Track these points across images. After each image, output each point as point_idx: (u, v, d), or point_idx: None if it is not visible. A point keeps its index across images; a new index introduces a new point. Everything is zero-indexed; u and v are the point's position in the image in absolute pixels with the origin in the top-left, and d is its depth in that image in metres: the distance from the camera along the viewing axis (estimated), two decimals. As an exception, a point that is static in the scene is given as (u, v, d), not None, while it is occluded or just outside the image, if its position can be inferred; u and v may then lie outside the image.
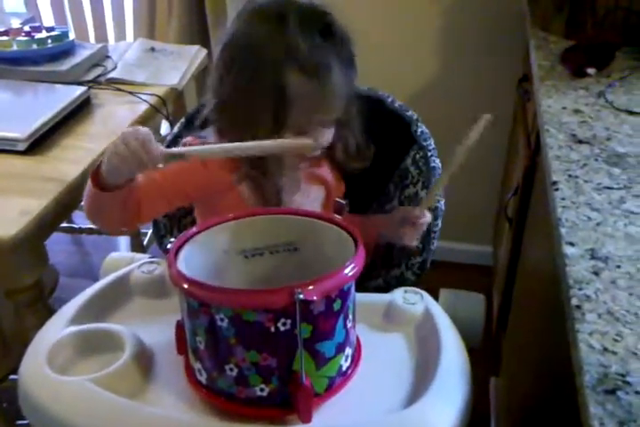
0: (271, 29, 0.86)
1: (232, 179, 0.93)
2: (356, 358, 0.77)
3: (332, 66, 0.86)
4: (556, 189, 0.82)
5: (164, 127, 1.68)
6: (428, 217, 0.94)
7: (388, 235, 0.99)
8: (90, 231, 2.04)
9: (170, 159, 0.83)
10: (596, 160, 0.89)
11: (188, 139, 0.97)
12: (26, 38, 1.54)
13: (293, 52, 0.84)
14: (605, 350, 0.57)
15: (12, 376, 1.17)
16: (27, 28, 1.59)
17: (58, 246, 1.24)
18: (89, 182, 0.85)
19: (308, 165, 0.98)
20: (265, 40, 0.86)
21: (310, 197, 0.99)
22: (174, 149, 0.86)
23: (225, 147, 0.84)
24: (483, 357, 0.95)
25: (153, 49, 1.71)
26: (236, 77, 0.88)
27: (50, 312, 1.13)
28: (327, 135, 0.93)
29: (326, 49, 0.86)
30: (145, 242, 1.96)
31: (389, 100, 1.12)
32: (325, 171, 1.01)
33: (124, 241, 2.17)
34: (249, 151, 0.83)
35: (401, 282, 1.03)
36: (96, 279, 0.95)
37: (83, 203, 0.91)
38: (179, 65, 1.63)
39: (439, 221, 1.02)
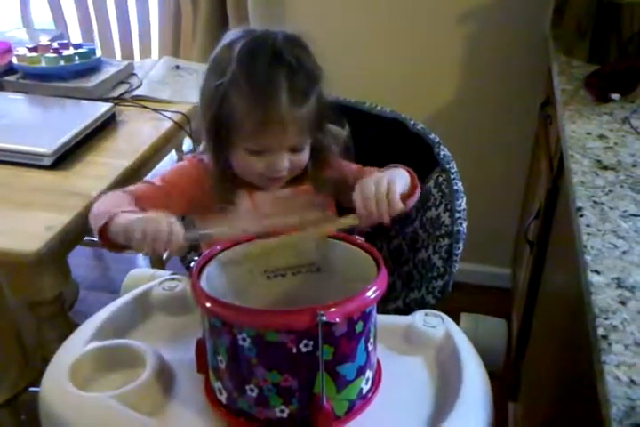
0: (224, 56, 0.90)
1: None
2: (376, 382, 0.76)
3: (275, 92, 0.86)
4: (581, 216, 0.81)
5: (187, 144, 1.70)
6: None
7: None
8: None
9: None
10: (622, 187, 0.89)
11: (188, 157, 1.01)
12: (54, 55, 1.57)
13: (237, 77, 0.87)
14: (633, 382, 0.56)
15: (31, 388, 1.17)
16: (55, 45, 1.62)
17: (78, 260, 1.25)
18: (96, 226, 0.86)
19: (283, 185, 0.98)
20: (216, 65, 0.91)
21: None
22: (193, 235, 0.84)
23: (242, 227, 0.83)
24: (500, 381, 0.94)
25: (178, 67, 1.74)
26: (200, 101, 0.95)
27: (70, 326, 1.14)
28: (291, 160, 0.92)
29: (272, 75, 0.86)
30: (164, 256, 1.97)
31: (412, 122, 1.12)
32: (307, 191, 1.00)
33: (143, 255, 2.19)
34: (267, 229, 0.82)
35: (421, 305, 1.02)
36: (115, 293, 0.96)
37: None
38: (203, 83, 1.65)
39: (460, 244, 1.01)
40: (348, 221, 0.84)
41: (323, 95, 0.93)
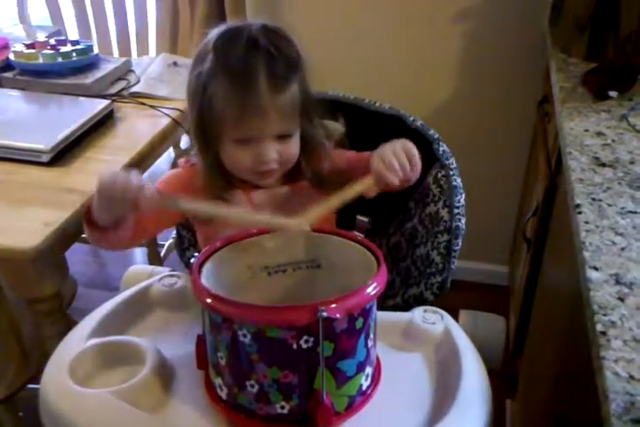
0: (202, 50, 0.90)
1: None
2: (376, 378, 0.77)
3: (253, 78, 0.85)
4: (580, 213, 0.82)
5: (184, 141, 1.70)
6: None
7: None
8: (107, 242, 2.05)
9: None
10: (620, 184, 0.89)
11: (182, 160, 1.00)
12: (51, 51, 1.56)
13: (214, 65, 0.87)
14: (632, 378, 0.56)
15: (29, 385, 1.17)
16: (52, 42, 1.62)
17: (76, 257, 1.25)
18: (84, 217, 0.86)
19: (280, 183, 0.98)
20: (196, 61, 0.91)
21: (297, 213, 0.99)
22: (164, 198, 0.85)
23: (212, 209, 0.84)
24: (498, 379, 0.94)
25: (175, 64, 1.73)
26: (187, 99, 0.94)
27: (68, 322, 1.14)
28: (279, 151, 0.91)
29: (248, 61, 0.86)
30: (162, 253, 1.97)
31: (411, 119, 1.12)
32: (305, 188, 0.99)
33: (140, 252, 2.18)
34: (232, 220, 0.84)
35: (419, 301, 1.03)
36: (113, 290, 0.96)
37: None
38: (200, 80, 1.65)
39: (459, 241, 1.02)
40: (366, 182, 0.85)
41: (306, 83, 0.92)
